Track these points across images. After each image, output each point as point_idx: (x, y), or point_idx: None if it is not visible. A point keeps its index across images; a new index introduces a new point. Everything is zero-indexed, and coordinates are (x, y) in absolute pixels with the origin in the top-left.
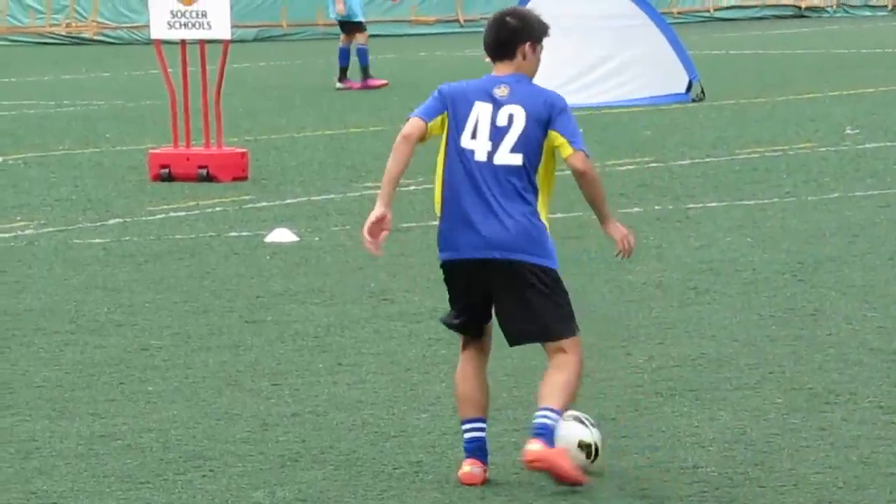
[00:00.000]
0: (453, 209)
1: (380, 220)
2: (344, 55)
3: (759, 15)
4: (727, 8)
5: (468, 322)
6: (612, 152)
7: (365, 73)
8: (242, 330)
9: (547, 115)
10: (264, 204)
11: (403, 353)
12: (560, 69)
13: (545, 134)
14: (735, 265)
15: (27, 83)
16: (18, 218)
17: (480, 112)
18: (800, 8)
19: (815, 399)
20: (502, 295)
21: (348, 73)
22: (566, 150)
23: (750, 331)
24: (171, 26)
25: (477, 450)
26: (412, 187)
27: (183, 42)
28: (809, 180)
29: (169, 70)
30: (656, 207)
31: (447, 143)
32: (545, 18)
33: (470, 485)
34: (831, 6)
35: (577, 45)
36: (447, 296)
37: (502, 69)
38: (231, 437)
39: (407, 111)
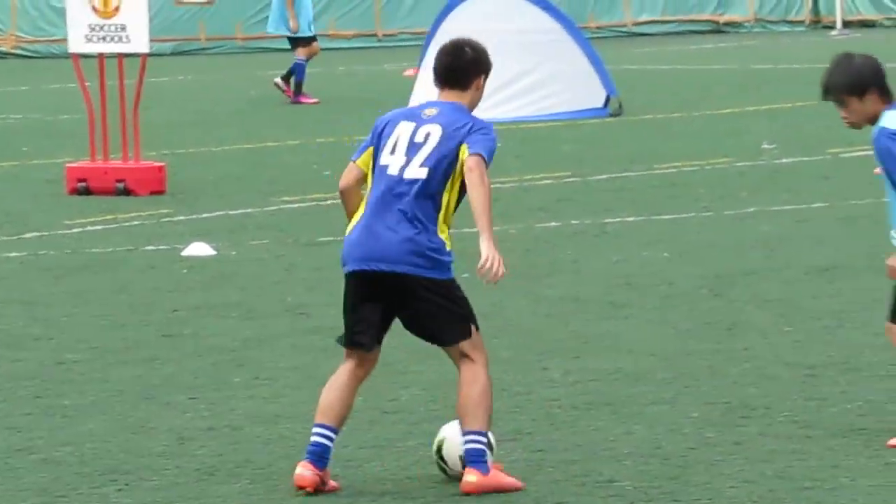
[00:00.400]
0: (360, 221)
1: None
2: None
3: (677, 30)
4: (645, 23)
5: (367, 337)
6: (530, 166)
7: (298, 88)
8: (159, 344)
9: (463, 134)
10: (182, 218)
11: (320, 368)
12: None
13: (458, 150)
14: (652, 279)
15: None
16: None
17: (402, 130)
18: (718, 23)
19: (731, 413)
20: (398, 305)
21: (301, 87)
22: (464, 152)
23: (666, 345)
24: (89, 40)
25: (316, 455)
26: (329, 202)
27: (101, 56)
28: (727, 195)
29: (87, 84)
30: (574, 222)
31: (372, 165)
32: (467, 34)
33: (300, 487)
34: (749, 21)
35: (496, 59)
36: (344, 308)
37: (445, 96)
38: (147, 450)
39: (324, 125)
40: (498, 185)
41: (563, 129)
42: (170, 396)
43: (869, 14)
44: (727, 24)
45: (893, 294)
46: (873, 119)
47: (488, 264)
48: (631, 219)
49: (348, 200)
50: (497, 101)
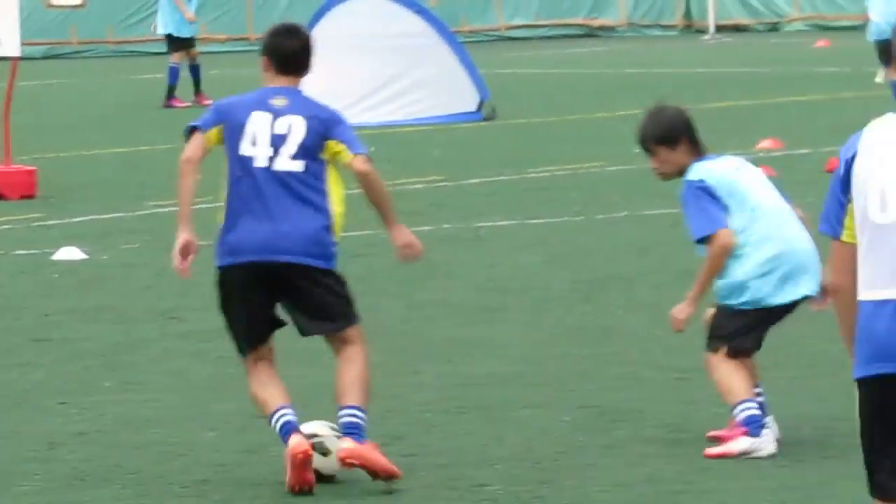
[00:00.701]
0: (237, 215)
1: (186, 246)
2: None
3: (550, 34)
4: (518, 27)
5: (260, 331)
6: (402, 171)
7: (171, 91)
8: (29, 348)
9: (324, 127)
10: (53, 222)
11: (192, 372)
12: (352, 87)
13: (323, 143)
14: (525, 284)
15: None
16: None
17: (258, 121)
18: (591, 27)
19: (603, 417)
20: (289, 294)
21: (174, 91)
22: (346, 156)
23: (539, 349)
24: None
25: (295, 427)
26: (202, 205)
27: None
28: (599, 199)
29: None
30: (446, 226)
31: (228, 155)
32: (340, 37)
33: (304, 457)
34: (622, 26)
35: (368, 63)
36: (224, 310)
37: (284, 82)
38: (16, 455)
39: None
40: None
41: (435, 133)
42: (40, 401)
43: (741, 18)
44: (600, 28)
45: (712, 323)
46: (683, 170)
47: (409, 249)
48: (504, 223)
49: (190, 174)
50: (369, 106)
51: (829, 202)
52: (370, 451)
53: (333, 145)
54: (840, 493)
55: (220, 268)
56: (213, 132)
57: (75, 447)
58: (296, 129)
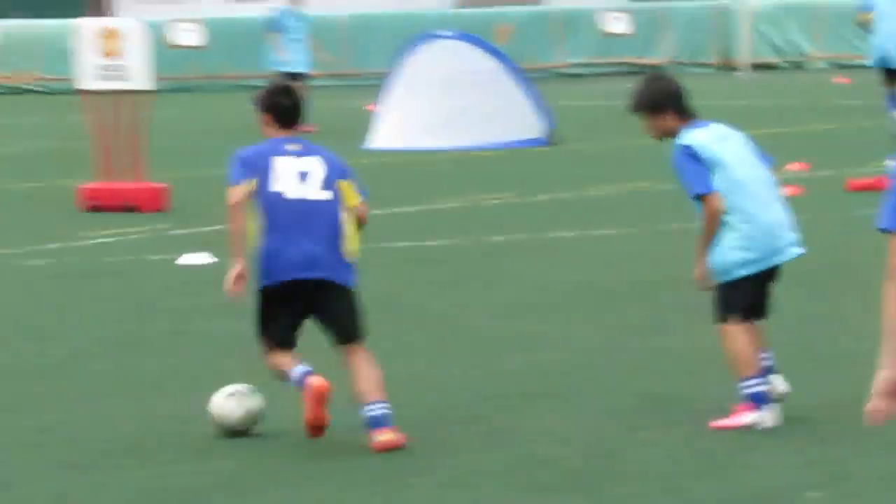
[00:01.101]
0: (272, 242)
1: (240, 275)
2: None
3: (604, 71)
4: (577, 65)
5: (288, 337)
6: (479, 188)
7: None
8: (165, 339)
9: (339, 168)
10: (181, 231)
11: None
12: (434, 115)
13: (338, 181)
14: (587, 286)
15: None
16: None
17: (281, 164)
18: (639, 65)
19: (659, 401)
20: (318, 308)
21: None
22: (354, 199)
23: (601, 342)
24: (96, 78)
25: (312, 371)
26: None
27: (106, 92)
28: (649, 213)
29: (91, 116)
30: (518, 236)
31: (259, 193)
32: (424, 73)
33: (324, 392)
34: (666, 63)
35: (448, 95)
36: (262, 318)
37: (285, 133)
38: (153, 429)
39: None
40: (451, 206)
41: (506, 156)
42: (175, 384)
43: (770, 58)
44: (646, 65)
45: (718, 297)
46: (672, 134)
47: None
48: (567, 233)
49: (240, 216)
50: (448, 131)
51: (891, 200)
52: (403, 438)
53: (345, 185)
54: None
55: (261, 289)
56: (246, 183)
57: (204, 424)
58: (316, 166)
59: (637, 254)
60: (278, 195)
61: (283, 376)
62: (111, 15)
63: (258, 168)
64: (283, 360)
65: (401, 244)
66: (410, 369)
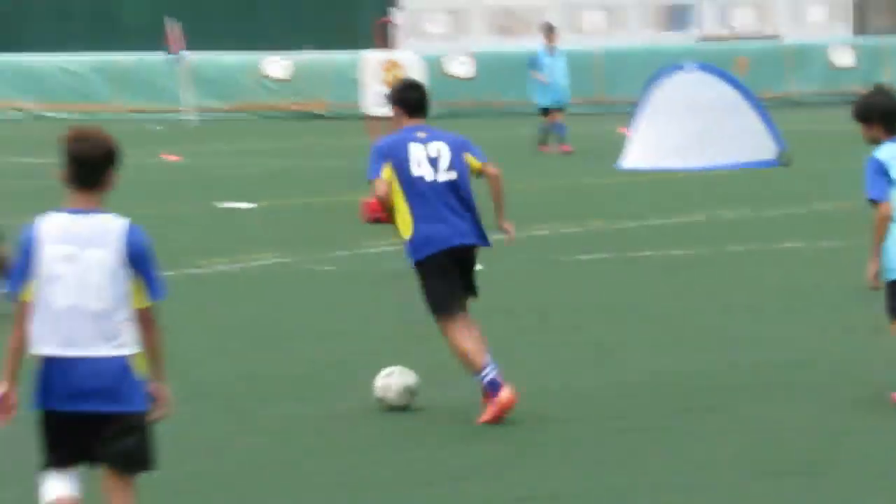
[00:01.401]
0: (422, 220)
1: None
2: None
3: (831, 101)
4: (807, 93)
5: (457, 296)
6: (715, 203)
7: (541, 140)
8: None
9: (460, 145)
10: None
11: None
12: (679, 137)
13: (463, 157)
14: (810, 290)
15: (282, 148)
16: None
17: (415, 150)
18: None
19: (880, 394)
20: (467, 268)
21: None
22: (476, 164)
23: (822, 341)
24: (378, 105)
25: (501, 384)
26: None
27: (388, 117)
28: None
29: (374, 139)
30: (751, 246)
31: (400, 179)
32: (670, 100)
33: (510, 406)
34: None
35: (691, 119)
36: (430, 287)
37: (415, 122)
38: (350, 413)
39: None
40: (695, 219)
41: (742, 175)
42: (362, 367)
43: None
44: None
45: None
46: (876, 143)
47: (510, 235)
48: (796, 244)
49: (389, 202)
50: (692, 153)
51: None
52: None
53: (469, 157)
54: None
55: (419, 260)
56: (385, 171)
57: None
58: (443, 150)
59: (861, 262)
60: (417, 179)
61: (469, 366)
62: (392, 48)
63: (396, 155)
64: (471, 345)
65: (649, 253)
66: (656, 364)
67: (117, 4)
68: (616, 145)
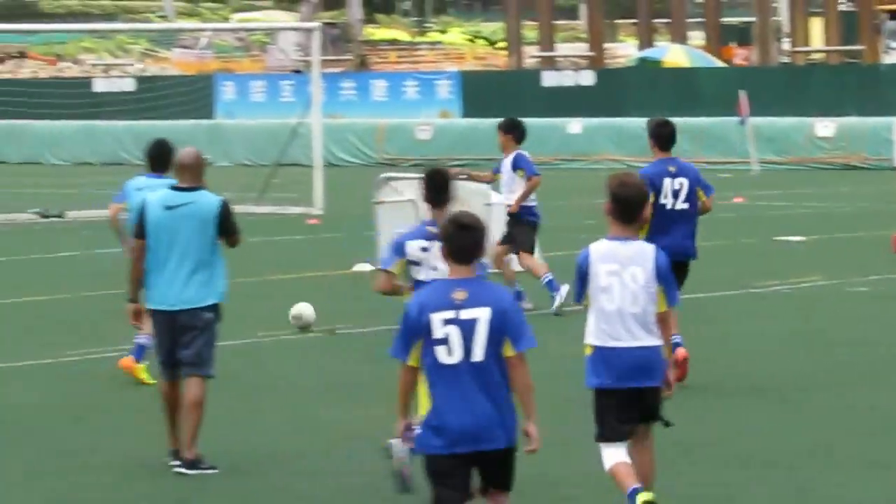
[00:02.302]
0: (662, 241)
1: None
2: None
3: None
4: None
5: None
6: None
7: None
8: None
9: (696, 180)
10: None
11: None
12: None
13: (697, 189)
14: None
15: (827, 194)
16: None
17: (666, 183)
18: None
19: None
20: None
21: None
22: (703, 197)
23: None
24: None
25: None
26: None
27: None
28: None
29: None
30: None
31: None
32: None
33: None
34: None
35: None
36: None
37: (665, 155)
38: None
39: None
40: None
41: None
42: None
43: None
44: None
45: None
46: None
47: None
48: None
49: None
50: None
51: None
52: None
53: (699, 191)
54: None
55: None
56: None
57: None
58: (684, 183)
59: None
60: (662, 206)
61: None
62: None
63: (655, 184)
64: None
65: None
66: None
67: (697, 79)
68: None
